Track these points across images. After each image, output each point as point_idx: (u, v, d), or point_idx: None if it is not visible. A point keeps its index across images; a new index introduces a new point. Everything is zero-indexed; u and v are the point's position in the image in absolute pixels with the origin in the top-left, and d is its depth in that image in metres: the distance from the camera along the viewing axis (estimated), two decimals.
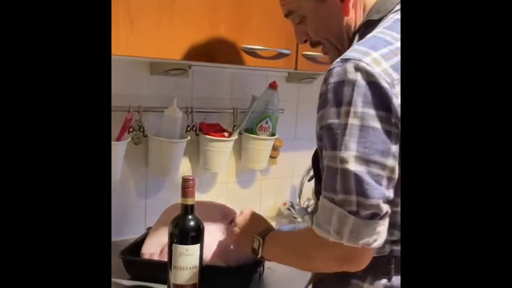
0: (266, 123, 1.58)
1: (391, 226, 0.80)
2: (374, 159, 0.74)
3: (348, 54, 0.78)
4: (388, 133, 0.74)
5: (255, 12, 1.24)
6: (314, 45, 0.96)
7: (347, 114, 0.74)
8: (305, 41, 0.97)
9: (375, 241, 0.76)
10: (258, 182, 1.77)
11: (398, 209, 0.80)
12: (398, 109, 0.75)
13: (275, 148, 1.70)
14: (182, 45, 1.13)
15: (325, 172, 0.79)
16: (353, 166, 0.74)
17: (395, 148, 0.75)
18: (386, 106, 0.74)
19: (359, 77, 0.74)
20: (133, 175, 1.45)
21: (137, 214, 1.47)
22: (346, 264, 0.81)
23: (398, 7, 0.86)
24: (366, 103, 0.74)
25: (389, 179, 0.76)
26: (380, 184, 0.75)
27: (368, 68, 0.75)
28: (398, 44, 0.78)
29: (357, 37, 0.87)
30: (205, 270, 1.03)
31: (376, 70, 0.75)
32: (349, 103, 0.74)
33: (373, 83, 0.74)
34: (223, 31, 1.19)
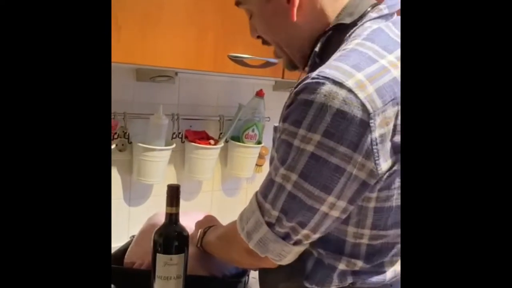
0: (253, 131, 1.58)
1: (354, 257, 0.77)
2: (311, 190, 0.70)
3: (327, 71, 0.68)
4: (340, 171, 0.68)
5: (243, 20, 1.23)
6: (264, 43, 0.88)
7: (304, 138, 0.68)
8: (258, 37, 0.88)
9: (279, 260, 0.78)
10: (244, 190, 1.76)
11: (363, 240, 0.77)
12: (371, 145, 0.67)
13: (261, 156, 1.70)
14: (169, 52, 1.13)
15: (266, 176, 0.77)
16: (290, 187, 0.72)
17: (341, 187, 0.69)
18: (352, 142, 0.66)
19: (331, 103, 0.66)
20: (117, 182, 1.44)
21: (121, 222, 1.46)
22: (254, 259, 0.80)
23: (374, 14, 0.77)
24: (327, 134, 0.66)
25: (325, 215, 0.71)
26: (312, 214, 0.71)
27: (347, 95, 0.66)
28: (383, 61, 0.70)
29: (320, 43, 0.78)
30: (189, 280, 1.01)
31: (359, 96, 0.66)
32: (310, 128, 0.67)
33: (345, 114, 0.65)
34: (210, 39, 1.19)
